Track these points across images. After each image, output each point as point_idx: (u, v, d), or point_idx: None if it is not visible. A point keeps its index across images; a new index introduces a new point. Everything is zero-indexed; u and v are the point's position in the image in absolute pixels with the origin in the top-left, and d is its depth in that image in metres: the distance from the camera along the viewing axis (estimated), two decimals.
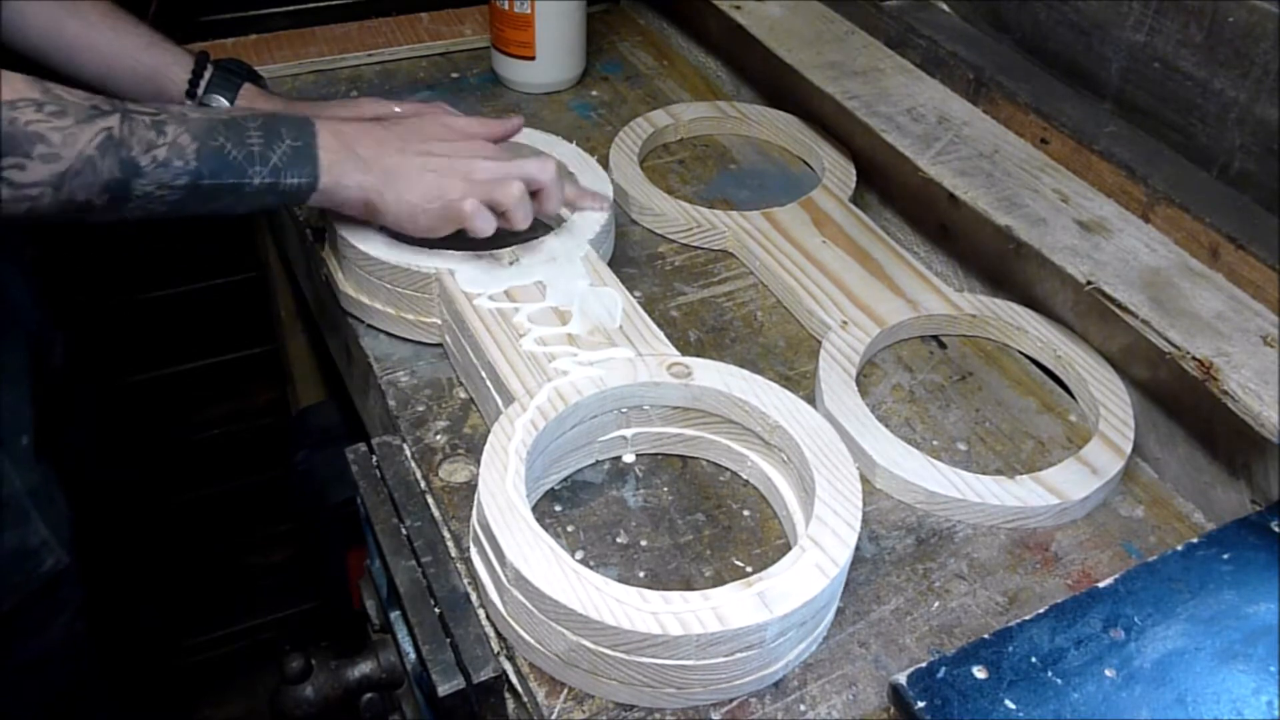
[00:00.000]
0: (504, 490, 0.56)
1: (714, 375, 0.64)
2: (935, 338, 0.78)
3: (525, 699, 0.55)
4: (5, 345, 0.77)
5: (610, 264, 0.78)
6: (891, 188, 0.91)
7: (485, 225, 0.70)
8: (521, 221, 0.72)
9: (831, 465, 0.59)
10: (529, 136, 0.85)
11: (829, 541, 0.55)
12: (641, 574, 0.60)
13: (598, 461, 0.66)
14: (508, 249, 0.74)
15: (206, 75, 0.82)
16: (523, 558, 0.53)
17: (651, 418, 0.65)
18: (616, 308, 0.70)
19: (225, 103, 0.82)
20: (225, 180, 0.63)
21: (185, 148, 0.62)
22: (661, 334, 0.68)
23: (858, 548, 0.58)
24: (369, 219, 0.71)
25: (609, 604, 0.51)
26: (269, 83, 0.90)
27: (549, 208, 0.74)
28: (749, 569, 0.61)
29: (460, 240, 0.71)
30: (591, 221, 0.77)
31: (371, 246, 0.73)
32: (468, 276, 0.71)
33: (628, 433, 0.66)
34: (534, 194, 0.72)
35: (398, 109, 0.81)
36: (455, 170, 0.70)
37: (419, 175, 0.69)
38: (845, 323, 0.75)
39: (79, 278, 1.13)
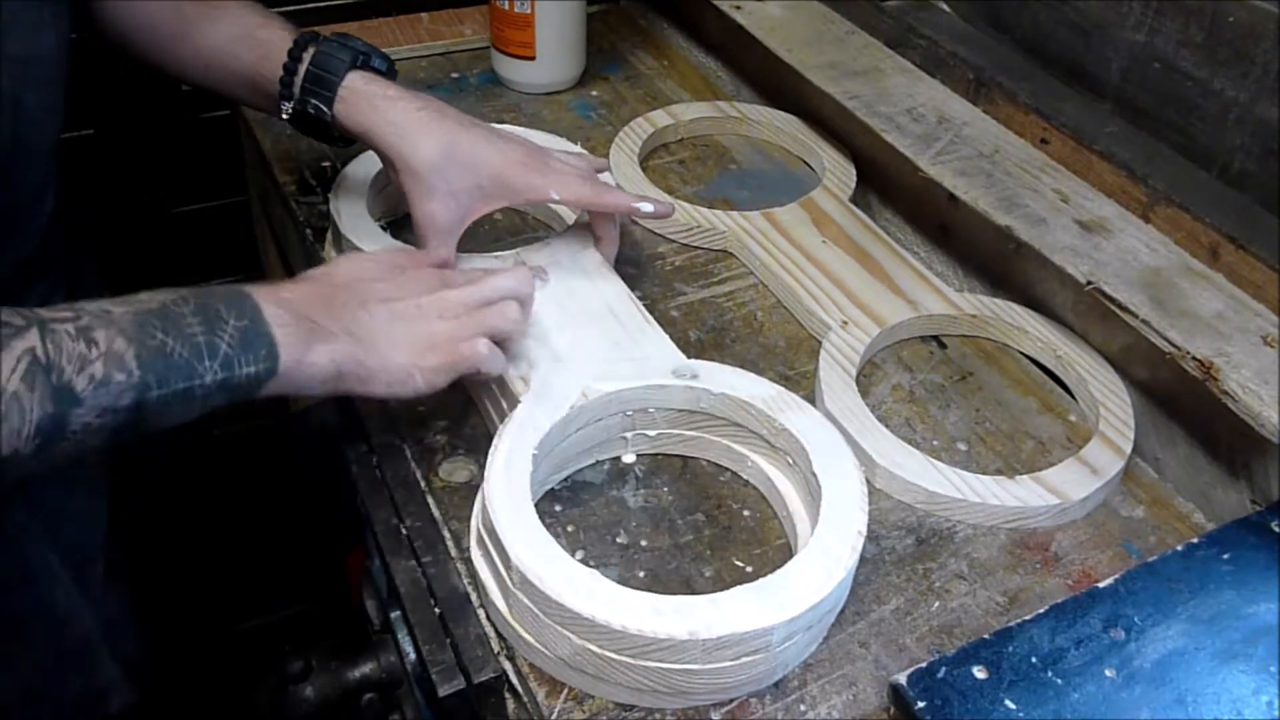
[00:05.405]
0: (510, 493, 0.56)
1: (720, 378, 0.64)
2: (935, 338, 0.78)
3: (525, 699, 0.55)
4: None
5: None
6: (891, 188, 0.91)
7: (498, 364, 0.59)
8: (520, 341, 0.61)
9: (838, 470, 0.59)
10: (532, 136, 0.84)
11: (835, 546, 0.55)
12: (641, 574, 0.60)
13: (597, 461, 0.66)
14: (511, 250, 0.74)
15: (301, 70, 0.66)
16: (528, 562, 0.53)
17: (657, 420, 0.65)
18: (619, 297, 0.70)
19: (326, 112, 0.66)
20: (175, 387, 0.49)
21: (123, 355, 0.47)
22: (664, 332, 0.68)
23: None
24: (349, 394, 0.57)
25: (614, 608, 0.51)
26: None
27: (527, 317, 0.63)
28: (749, 569, 0.61)
29: (464, 242, 0.71)
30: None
31: (377, 248, 0.72)
32: None
33: (629, 434, 0.66)
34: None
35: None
36: (426, 312, 0.57)
37: (390, 329, 0.57)
38: (845, 323, 0.75)
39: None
